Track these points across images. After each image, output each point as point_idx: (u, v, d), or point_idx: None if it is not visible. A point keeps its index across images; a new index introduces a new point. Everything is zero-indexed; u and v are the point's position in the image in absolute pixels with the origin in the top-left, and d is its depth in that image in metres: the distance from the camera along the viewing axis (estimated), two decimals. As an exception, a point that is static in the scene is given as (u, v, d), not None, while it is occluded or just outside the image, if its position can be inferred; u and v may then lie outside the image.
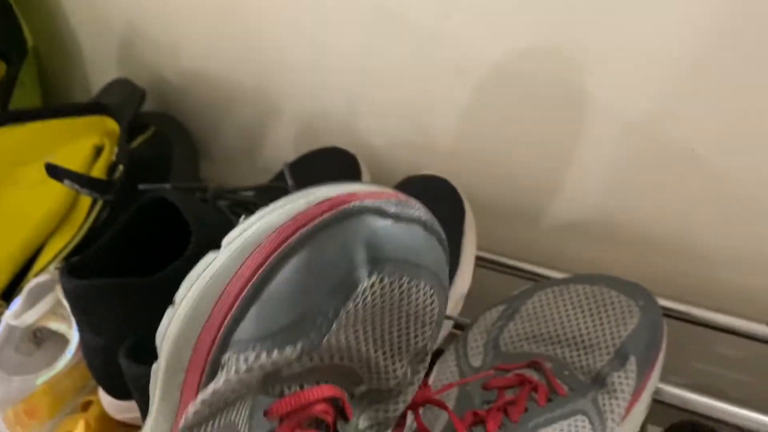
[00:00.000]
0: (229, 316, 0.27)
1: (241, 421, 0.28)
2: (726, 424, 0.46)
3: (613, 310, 0.45)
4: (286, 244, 0.26)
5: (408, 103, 0.59)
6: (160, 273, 0.42)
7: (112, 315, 0.42)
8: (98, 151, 0.59)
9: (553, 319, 0.46)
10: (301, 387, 0.29)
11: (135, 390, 0.39)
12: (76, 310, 0.43)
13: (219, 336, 0.27)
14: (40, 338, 0.58)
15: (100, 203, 0.56)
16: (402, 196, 0.29)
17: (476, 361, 0.46)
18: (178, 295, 0.29)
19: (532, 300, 0.48)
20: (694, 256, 0.53)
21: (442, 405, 0.40)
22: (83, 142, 0.59)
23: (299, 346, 0.27)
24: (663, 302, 0.49)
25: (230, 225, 0.47)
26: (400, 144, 0.62)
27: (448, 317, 0.46)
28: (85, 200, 0.56)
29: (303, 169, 0.58)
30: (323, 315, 0.27)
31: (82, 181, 0.52)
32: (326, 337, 0.27)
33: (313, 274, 0.26)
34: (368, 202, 0.26)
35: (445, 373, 0.46)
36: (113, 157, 0.57)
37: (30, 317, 0.53)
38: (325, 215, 0.26)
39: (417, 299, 0.29)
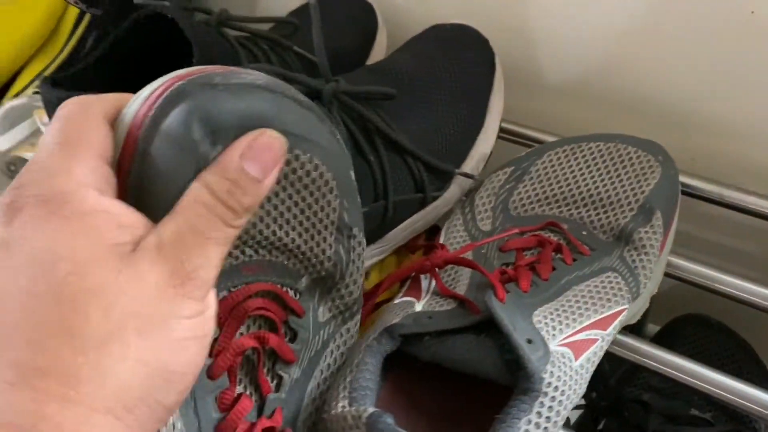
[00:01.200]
0: None
1: None
2: (737, 300, 0.44)
3: (632, 166, 0.42)
4: (134, 147, 0.24)
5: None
6: None
7: None
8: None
9: (566, 178, 0.43)
10: (229, 291, 0.29)
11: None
12: None
13: None
14: (15, 171, 0.51)
15: (85, 22, 0.48)
16: (228, 68, 0.26)
17: (486, 226, 0.42)
18: None
19: (542, 160, 0.44)
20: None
21: (468, 263, 0.36)
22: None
23: None
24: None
25: (236, 58, 0.42)
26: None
27: (468, 175, 0.42)
28: (68, 23, 0.49)
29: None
30: None
31: (66, -13, 0.46)
32: None
33: (168, 169, 0.24)
34: (190, 79, 0.25)
35: (455, 237, 0.42)
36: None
37: (5, 143, 0.48)
38: (154, 107, 0.24)
39: (293, 168, 0.28)
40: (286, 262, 0.30)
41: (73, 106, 0.24)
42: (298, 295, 0.31)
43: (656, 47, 0.50)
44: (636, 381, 0.51)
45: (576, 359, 0.32)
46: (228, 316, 0.29)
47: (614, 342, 0.41)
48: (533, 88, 0.55)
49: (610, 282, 0.37)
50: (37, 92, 0.48)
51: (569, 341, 0.33)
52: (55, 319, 0.20)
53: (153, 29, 0.42)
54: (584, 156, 0.43)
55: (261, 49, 0.45)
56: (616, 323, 0.36)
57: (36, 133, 0.48)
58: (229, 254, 0.28)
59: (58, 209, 0.21)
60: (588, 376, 0.33)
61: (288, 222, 0.29)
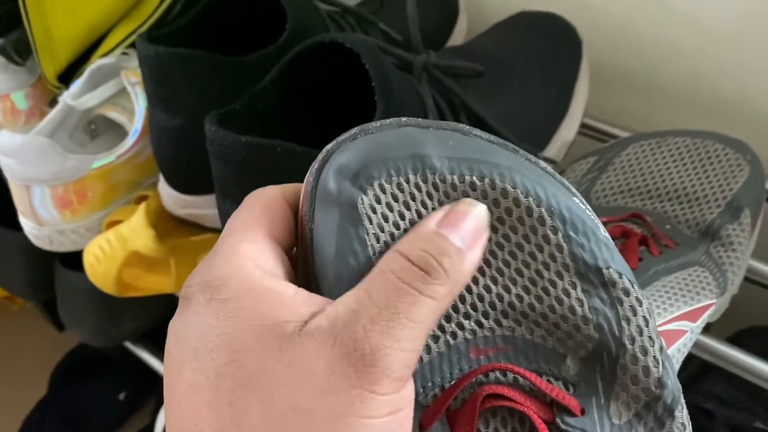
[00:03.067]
0: None
1: None
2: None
3: (719, 163, 0.41)
4: (302, 223, 0.22)
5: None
6: (250, 56, 0.35)
7: (192, 90, 0.36)
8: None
9: (651, 171, 0.42)
10: (450, 381, 0.22)
11: (223, 161, 0.33)
12: (152, 81, 0.38)
13: None
14: (95, 131, 0.52)
15: None
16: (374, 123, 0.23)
17: (567, 214, 0.41)
18: None
19: (627, 152, 0.43)
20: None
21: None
22: None
23: None
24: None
25: (326, 27, 0.42)
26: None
27: (550, 160, 0.41)
28: None
29: None
30: None
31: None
32: None
33: (327, 231, 0.21)
34: (336, 140, 0.22)
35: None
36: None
37: (90, 100, 0.48)
38: (311, 178, 0.21)
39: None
40: (529, 336, 0.22)
41: (252, 194, 0.22)
42: (570, 388, 0.22)
43: (748, 53, 0.49)
44: (699, 388, 0.50)
45: (667, 349, 0.31)
46: (453, 414, 0.21)
47: (691, 341, 0.40)
48: (617, 83, 0.55)
49: (698, 276, 0.36)
50: (125, 53, 0.49)
51: (660, 330, 0.32)
52: (211, 418, 0.18)
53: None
54: (670, 150, 0.42)
55: (348, 23, 0.45)
56: (705, 317, 0.35)
57: (122, 93, 0.48)
58: (442, 330, 0.21)
59: (218, 293, 0.19)
60: (677, 367, 0.32)
61: (502, 273, 0.22)
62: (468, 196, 0.21)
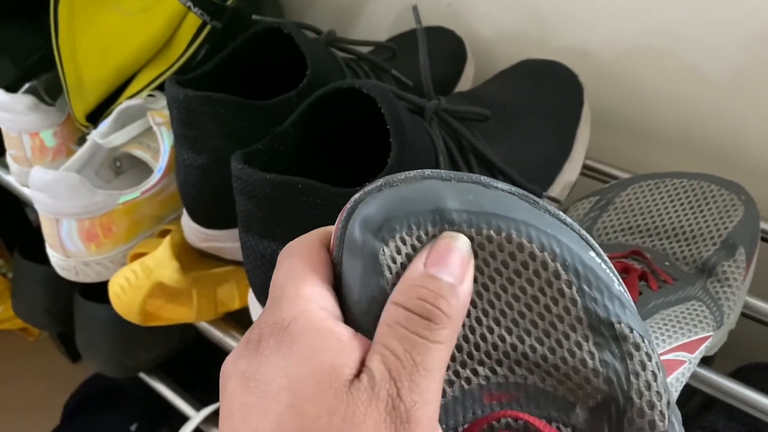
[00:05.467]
0: None
1: None
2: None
3: (715, 203, 0.43)
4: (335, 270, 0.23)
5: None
6: (272, 100, 0.38)
7: (217, 131, 0.39)
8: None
9: (650, 211, 0.44)
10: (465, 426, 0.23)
11: (247, 197, 0.35)
12: (180, 122, 0.40)
13: None
14: (120, 167, 0.54)
15: (201, 36, 0.52)
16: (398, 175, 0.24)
17: (570, 251, 0.43)
18: None
19: (627, 192, 0.45)
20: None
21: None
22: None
23: None
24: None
25: (342, 73, 0.45)
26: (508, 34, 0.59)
27: (554, 200, 0.43)
28: (185, 34, 0.52)
29: (407, 43, 0.54)
30: None
31: (195, -1, 0.49)
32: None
33: (353, 281, 0.23)
34: (364, 190, 0.23)
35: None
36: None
37: (117, 139, 0.51)
38: (339, 227, 0.23)
39: (491, 251, 0.23)
40: (540, 385, 0.23)
41: (292, 244, 0.23)
42: None
43: (742, 101, 0.51)
44: (701, 423, 0.51)
45: (667, 377, 0.33)
46: None
47: (691, 374, 0.41)
48: (617, 127, 0.57)
49: (696, 309, 0.38)
50: (151, 95, 0.51)
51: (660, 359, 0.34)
52: None
53: (268, 43, 0.45)
54: (668, 191, 0.44)
55: (363, 70, 0.47)
56: (702, 348, 0.37)
57: (147, 132, 0.51)
58: (457, 375, 0.23)
59: (286, 335, 0.20)
60: (676, 396, 0.34)
61: (516, 324, 0.22)
62: (484, 248, 0.22)
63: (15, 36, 0.58)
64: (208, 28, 0.50)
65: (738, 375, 0.54)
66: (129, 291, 0.46)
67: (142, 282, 0.46)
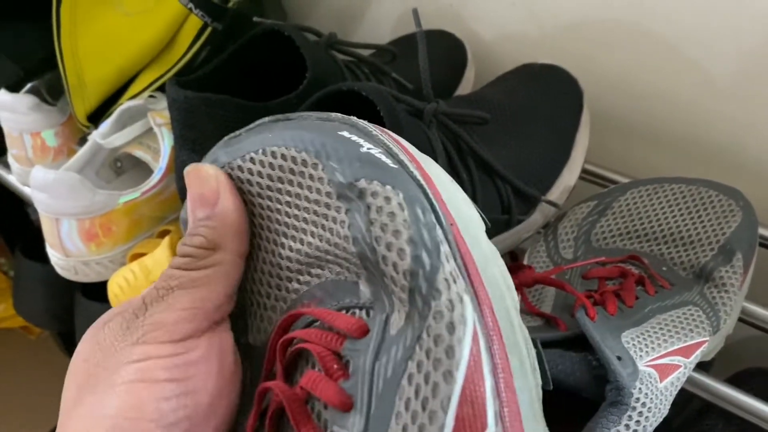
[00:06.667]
0: None
1: None
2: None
3: (713, 209, 0.43)
4: None
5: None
6: (273, 101, 0.38)
7: (218, 132, 0.39)
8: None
9: (648, 216, 0.44)
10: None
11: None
12: (180, 123, 0.41)
13: None
14: (120, 168, 0.54)
15: (202, 38, 0.52)
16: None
17: (568, 254, 0.43)
18: None
19: (625, 197, 0.45)
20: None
21: (557, 283, 0.38)
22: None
23: None
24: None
25: (342, 75, 0.45)
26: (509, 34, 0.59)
27: (553, 203, 0.43)
28: (186, 36, 0.52)
29: (408, 46, 0.54)
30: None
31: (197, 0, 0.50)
32: None
33: None
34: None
35: (537, 262, 0.43)
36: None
37: (118, 140, 0.51)
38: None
39: (236, 176, 0.26)
40: (333, 276, 0.23)
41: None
42: (370, 313, 0.22)
43: (741, 106, 0.51)
44: (700, 427, 0.51)
45: (661, 381, 0.33)
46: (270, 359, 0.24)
47: (688, 380, 0.41)
48: (616, 132, 0.57)
49: (692, 314, 0.38)
50: (152, 96, 0.52)
51: (655, 363, 0.34)
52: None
53: (268, 45, 0.45)
54: (666, 196, 0.44)
55: (363, 72, 0.47)
56: (698, 353, 0.37)
57: (147, 133, 0.51)
58: (275, 298, 0.24)
59: None
60: (671, 400, 0.34)
61: (297, 228, 0.23)
62: (252, 173, 0.24)
63: (17, 36, 0.59)
64: (209, 29, 0.50)
65: (736, 381, 0.54)
66: (128, 291, 0.46)
67: (140, 282, 0.46)
